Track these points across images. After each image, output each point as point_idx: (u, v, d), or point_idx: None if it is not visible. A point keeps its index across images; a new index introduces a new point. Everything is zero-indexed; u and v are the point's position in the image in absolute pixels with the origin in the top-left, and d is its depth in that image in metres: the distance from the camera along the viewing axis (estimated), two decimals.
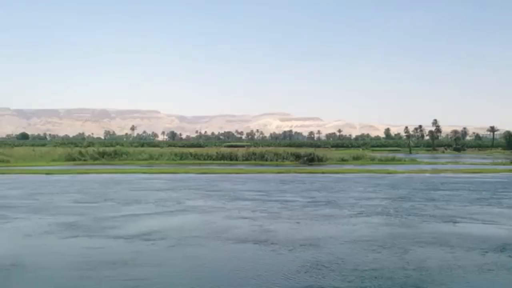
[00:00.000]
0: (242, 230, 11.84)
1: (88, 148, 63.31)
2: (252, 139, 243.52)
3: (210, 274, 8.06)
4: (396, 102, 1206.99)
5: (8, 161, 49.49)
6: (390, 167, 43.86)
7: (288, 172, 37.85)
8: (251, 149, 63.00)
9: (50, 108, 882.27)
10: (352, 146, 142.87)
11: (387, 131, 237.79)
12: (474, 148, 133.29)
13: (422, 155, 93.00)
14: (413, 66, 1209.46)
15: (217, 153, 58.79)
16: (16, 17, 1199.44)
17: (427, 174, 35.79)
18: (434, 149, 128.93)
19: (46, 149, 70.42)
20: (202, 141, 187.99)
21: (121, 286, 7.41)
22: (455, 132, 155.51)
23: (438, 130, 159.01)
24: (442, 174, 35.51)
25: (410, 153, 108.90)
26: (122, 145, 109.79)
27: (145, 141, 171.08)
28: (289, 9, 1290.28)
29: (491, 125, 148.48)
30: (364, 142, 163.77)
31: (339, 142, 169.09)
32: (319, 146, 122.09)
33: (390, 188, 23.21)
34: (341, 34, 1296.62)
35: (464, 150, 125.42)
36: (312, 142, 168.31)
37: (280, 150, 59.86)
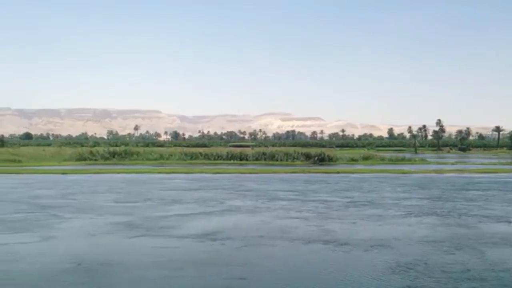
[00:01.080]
0: (302, 230, 11.83)
1: (99, 148, 63.44)
2: (255, 139, 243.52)
3: (301, 274, 8.01)
4: (397, 102, 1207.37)
5: (20, 161, 49.55)
6: (403, 167, 43.85)
7: (303, 172, 37.85)
8: (261, 149, 63.21)
9: (51, 108, 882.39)
10: (357, 146, 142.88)
11: (390, 131, 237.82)
12: (479, 148, 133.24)
13: (428, 155, 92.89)
14: (413, 66, 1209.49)
15: (227, 153, 58.86)
16: (17, 17, 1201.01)
17: (446, 174, 35.71)
18: (439, 149, 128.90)
19: (55, 149, 70.42)
20: (206, 141, 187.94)
21: (224, 285, 7.45)
22: (460, 132, 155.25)
23: (442, 130, 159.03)
24: (461, 174, 35.49)
25: (416, 152, 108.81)
26: (127, 145, 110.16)
27: (150, 141, 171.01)
28: (289, 9, 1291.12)
29: (492, 125, 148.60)
30: (369, 142, 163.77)
31: (343, 142, 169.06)
32: (323, 146, 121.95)
33: (419, 188, 23.16)
34: (342, 34, 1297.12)
35: (469, 150, 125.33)
36: (317, 142, 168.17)
37: (291, 150, 59.84)
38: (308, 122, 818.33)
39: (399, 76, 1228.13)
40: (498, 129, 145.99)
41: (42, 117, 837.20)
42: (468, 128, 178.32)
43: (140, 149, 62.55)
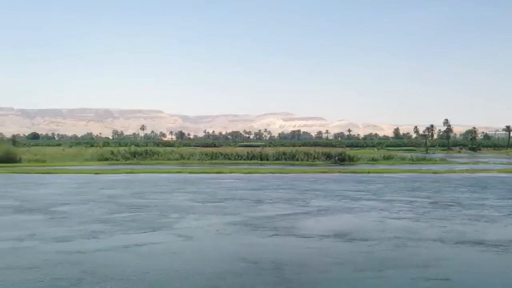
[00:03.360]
0: (431, 231, 11.98)
1: (120, 148, 63.67)
2: (260, 139, 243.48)
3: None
4: (398, 101, 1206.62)
5: (44, 161, 49.63)
6: (429, 167, 43.95)
7: (332, 171, 37.93)
8: (276, 149, 63.49)
9: (53, 108, 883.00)
10: (367, 146, 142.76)
11: (396, 130, 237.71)
12: (489, 148, 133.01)
13: (440, 155, 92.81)
14: (414, 66, 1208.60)
15: (247, 153, 58.97)
16: (18, 17, 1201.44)
17: (484, 174, 35.74)
18: (450, 149, 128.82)
19: (75, 149, 70.64)
20: (212, 140, 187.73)
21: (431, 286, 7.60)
22: (471, 132, 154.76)
23: (450, 129, 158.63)
24: (499, 174, 35.61)
25: (427, 152, 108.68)
26: (137, 145, 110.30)
27: (157, 141, 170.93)
28: (290, 9, 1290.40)
29: (495, 125, 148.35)
30: (378, 142, 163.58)
31: (353, 142, 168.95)
32: (333, 146, 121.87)
33: (481, 189, 23.28)
34: (343, 34, 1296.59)
35: (479, 149, 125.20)
36: (327, 142, 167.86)
37: (311, 150, 59.99)
38: (310, 122, 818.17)
39: (400, 76, 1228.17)
40: (508, 128, 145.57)
41: (44, 117, 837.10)
42: (474, 128, 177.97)
43: (161, 149, 62.84)
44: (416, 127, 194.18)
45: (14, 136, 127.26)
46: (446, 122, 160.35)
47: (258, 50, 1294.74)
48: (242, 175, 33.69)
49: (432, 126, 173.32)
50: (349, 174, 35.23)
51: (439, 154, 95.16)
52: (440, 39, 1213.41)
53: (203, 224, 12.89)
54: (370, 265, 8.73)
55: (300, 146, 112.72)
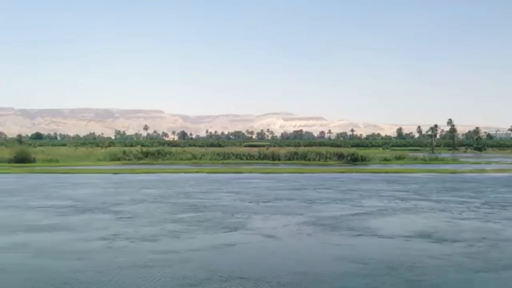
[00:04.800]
0: None
1: (132, 148, 63.71)
2: (262, 139, 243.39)
3: None
4: (398, 101, 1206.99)
5: (57, 161, 49.58)
6: (444, 167, 43.96)
7: (350, 171, 37.91)
8: (293, 149, 63.59)
9: (54, 108, 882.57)
10: (372, 146, 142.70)
11: (399, 130, 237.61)
12: (494, 148, 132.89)
13: (447, 155, 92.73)
14: (414, 66, 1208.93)
15: (259, 153, 58.94)
16: (19, 17, 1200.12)
17: (509, 174, 35.72)
18: (455, 149, 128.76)
19: (87, 149, 70.46)
20: (214, 140, 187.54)
21: None
22: (475, 132, 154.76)
23: (453, 129, 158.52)
24: None
25: (433, 152, 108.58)
26: (143, 145, 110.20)
27: (165, 141, 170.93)
28: (291, 9, 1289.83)
29: (494, 124, 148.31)
30: (384, 142, 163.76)
31: (358, 142, 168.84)
32: (339, 146, 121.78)
33: None
34: (343, 34, 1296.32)
35: (484, 149, 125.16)
36: (333, 141, 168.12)
37: (322, 150, 59.94)
38: (310, 122, 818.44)
39: (400, 76, 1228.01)
40: None
41: (45, 117, 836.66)
42: (477, 128, 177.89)
43: (173, 149, 62.78)
44: (419, 127, 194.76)
45: (20, 136, 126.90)
46: (449, 122, 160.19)
47: (258, 50, 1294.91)
48: (262, 175, 33.70)
49: (436, 126, 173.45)
50: (369, 174, 35.23)
51: (445, 154, 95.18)
52: (439, 39, 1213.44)
53: (276, 224, 12.94)
54: (482, 267, 8.74)
55: (305, 146, 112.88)
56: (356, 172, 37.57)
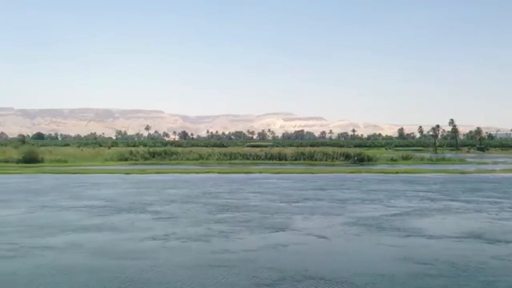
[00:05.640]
0: None
1: (139, 148, 63.89)
2: (263, 139, 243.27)
3: None
4: (398, 101, 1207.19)
5: (66, 161, 49.61)
6: (453, 167, 44.02)
7: (360, 172, 37.95)
8: (300, 149, 63.68)
9: (54, 108, 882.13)
10: (375, 146, 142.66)
11: (400, 130, 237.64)
12: (496, 148, 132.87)
13: (450, 155, 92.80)
14: (414, 66, 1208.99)
15: (265, 153, 59.00)
16: (19, 17, 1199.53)
17: None
18: (458, 149, 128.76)
19: (94, 149, 70.57)
20: (223, 141, 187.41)
21: None
22: (478, 132, 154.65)
23: (455, 130, 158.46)
24: None
25: (436, 152, 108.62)
26: (145, 145, 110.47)
27: (168, 141, 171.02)
28: (291, 9, 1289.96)
29: (494, 124, 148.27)
30: (387, 142, 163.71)
31: (360, 142, 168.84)
32: (342, 146, 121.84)
33: None
34: (343, 34, 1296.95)
35: (487, 149, 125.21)
36: (334, 142, 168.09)
37: (329, 150, 60.01)
38: (310, 122, 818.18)
39: (400, 76, 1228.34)
40: None
41: (45, 117, 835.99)
42: (479, 128, 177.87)
43: (179, 149, 62.84)
44: (420, 127, 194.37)
45: (23, 136, 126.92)
46: (451, 122, 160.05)
47: (259, 50, 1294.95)
48: (274, 175, 33.74)
49: (438, 126, 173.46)
50: (380, 174, 35.21)
51: (449, 154, 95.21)
52: (439, 40, 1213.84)
53: (319, 224, 12.99)
54: None
55: (308, 146, 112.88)
56: (366, 172, 37.60)
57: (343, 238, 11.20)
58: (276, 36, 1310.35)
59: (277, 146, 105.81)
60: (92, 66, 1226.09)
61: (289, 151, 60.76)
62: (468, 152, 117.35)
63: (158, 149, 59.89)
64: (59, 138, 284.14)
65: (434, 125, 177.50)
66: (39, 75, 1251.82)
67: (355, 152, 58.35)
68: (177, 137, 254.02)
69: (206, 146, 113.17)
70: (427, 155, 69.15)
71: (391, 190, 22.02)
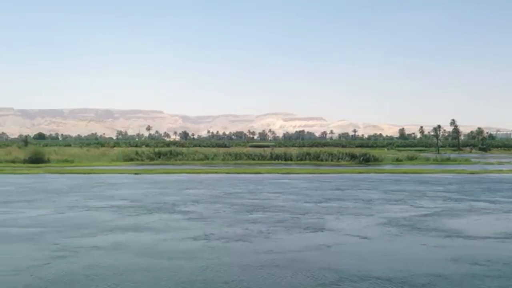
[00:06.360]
0: None
1: (144, 148, 63.86)
2: (264, 139, 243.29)
3: None
4: (397, 102, 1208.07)
5: (72, 161, 49.57)
6: (461, 167, 44.02)
7: (369, 172, 37.93)
8: (305, 149, 63.75)
9: (54, 108, 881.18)
10: (377, 146, 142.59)
11: (401, 131, 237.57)
12: (499, 148, 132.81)
13: (453, 155, 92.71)
14: (414, 66, 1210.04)
15: (271, 153, 58.97)
16: (19, 17, 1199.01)
17: None
18: (460, 149, 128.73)
19: (99, 149, 70.43)
20: (226, 141, 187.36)
21: None
22: (480, 132, 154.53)
23: (457, 130, 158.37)
24: None
25: (438, 152, 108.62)
26: (148, 145, 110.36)
27: (170, 142, 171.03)
28: (291, 9, 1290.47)
29: (493, 124, 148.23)
30: (388, 142, 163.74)
31: (362, 142, 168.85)
32: (344, 146, 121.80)
33: None
34: (343, 34, 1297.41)
35: (489, 150, 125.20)
36: (337, 142, 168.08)
37: (334, 150, 59.99)
38: (310, 122, 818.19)
39: (400, 76, 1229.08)
40: None
41: (45, 117, 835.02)
42: (479, 128, 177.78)
43: (184, 150, 62.77)
44: (421, 127, 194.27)
45: (26, 137, 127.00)
46: (452, 122, 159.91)
47: (258, 51, 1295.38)
48: (282, 175, 33.78)
49: (439, 126, 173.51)
50: (389, 175, 35.18)
51: (452, 154, 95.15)
52: (439, 40, 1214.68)
53: (354, 225, 13.00)
54: None
55: (309, 146, 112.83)
56: (375, 172, 37.56)
57: (385, 239, 11.21)
58: (276, 36, 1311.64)
59: (279, 146, 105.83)
60: (92, 66, 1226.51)
61: (293, 151, 60.68)
62: (470, 152, 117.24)
63: (163, 150, 59.82)
64: (60, 139, 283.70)
65: (433, 125, 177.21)
66: (39, 75, 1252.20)
67: (360, 152, 58.31)
68: (177, 137, 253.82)
69: (208, 147, 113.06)
70: (431, 155, 69.08)
71: (410, 191, 22.03)
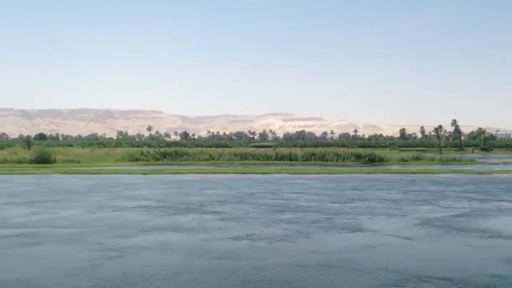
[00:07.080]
0: None
1: (149, 149, 63.94)
2: (265, 139, 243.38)
3: None
4: (397, 102, 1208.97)
5: (78, 162, 49.57)
6: (467, 168, 44.02)
7: (377, 172, 37.93)
8: (310, 149, 63.91)
9: (53, 108, 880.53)
10: (378, 146, 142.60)
11: (402, 131, 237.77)
12: (501, 148, 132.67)
13: (456, 155, 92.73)
14: (414, 66, 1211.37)
15: (276, 153, 59.06)
16: (19, 17, 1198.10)
17: None
18: (462, 149, 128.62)
19: (104, 150, 70.42)
20: (228, 141, 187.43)
21: None
22: (481, 132, 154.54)
23: (458, 130, 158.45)
24: None
25: (441, 152, 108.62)
26: (149, 145, 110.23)
27: (172, 142, 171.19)
28: (290, 9, 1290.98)
29: (493, 124, 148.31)
30: (390, 143, 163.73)
31: (364, 142, 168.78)
32: (346, 146, 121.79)
33: None
34: (343, 34, 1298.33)
35: (491, 150, 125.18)
36: (341, 142, 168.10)
37: (340, 150, 60.06)
38: (310, 122, 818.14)
39: (400, 76, 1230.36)
40: None
41: (44, 117, 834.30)
42: (480, 128, 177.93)
43: (190, 150, 62.83)
44: (422, 127, 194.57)
45: (29, 137, 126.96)
46: (454, 122, 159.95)
47: (258, 50, 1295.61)
48: (291, 175, 33.84)
49: (440, 126, 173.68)
50: (398, 175, 35.11)
51: (455, 154, 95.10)
52: (439, 40, 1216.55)
53: (391, 225, 13.00)
54: None
55: (311, 146, 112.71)
56: (383, 173, 37.56)
57: (427, 239, 11.18)
58: (276, 36, 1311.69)
59: (281, 147, 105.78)
60: (91, 66, 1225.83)
61: (297, 151, 60.75)
62: (472, 152, 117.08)
63: (168, 150, 59.91)
64: (60, 139, 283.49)
65: (433, 125, 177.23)
66: (39, 75, 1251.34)
67: (366, 152, 58.35)
68: (178, 138, 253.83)
69: (210, 147, 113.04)
70: (435, 155, 69.06)
71: (430, 191, 21.99)
